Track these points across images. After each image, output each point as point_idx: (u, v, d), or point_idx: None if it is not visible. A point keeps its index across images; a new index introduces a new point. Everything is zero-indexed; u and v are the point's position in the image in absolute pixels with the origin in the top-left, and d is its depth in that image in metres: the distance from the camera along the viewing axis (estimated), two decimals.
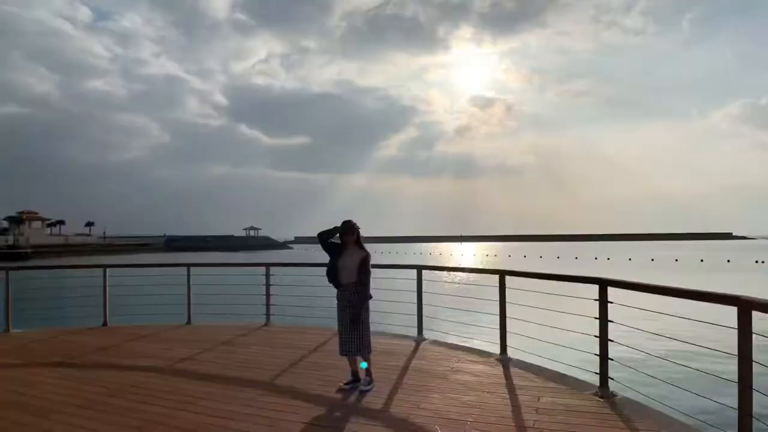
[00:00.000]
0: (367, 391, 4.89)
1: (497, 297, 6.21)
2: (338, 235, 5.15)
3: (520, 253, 76.58)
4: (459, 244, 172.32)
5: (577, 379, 5.20)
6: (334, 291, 8.31)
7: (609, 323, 4.75)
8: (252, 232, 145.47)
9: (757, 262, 49.39)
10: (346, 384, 5.06)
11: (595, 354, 4.83)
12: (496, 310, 6.23)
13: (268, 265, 8.85)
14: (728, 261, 51.66)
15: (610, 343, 4.76)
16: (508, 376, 5.39)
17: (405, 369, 5.73)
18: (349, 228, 5.06)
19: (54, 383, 5.40)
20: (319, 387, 5.12)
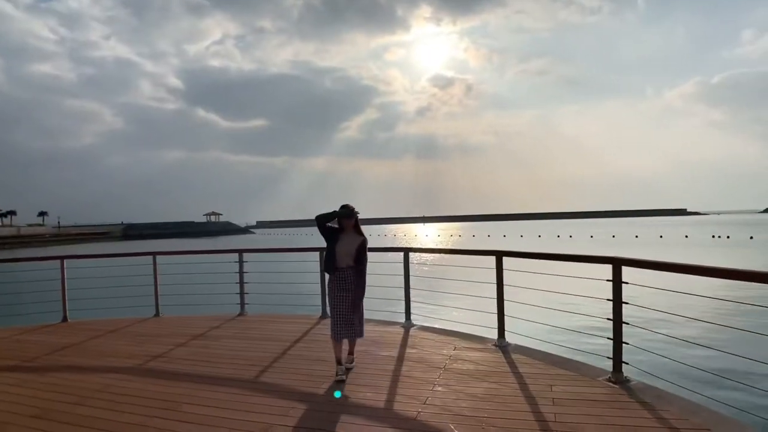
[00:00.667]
0: (350, 368, 4.97)
1: (486, 279, 5.96)
2: (336, 219, 5.00)
3: (484, 233, 77.51)
4: (422, 224, 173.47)
5: (585, 365, 4.93)
6: (311, 276, 7.94)
7: (624, 305, 4.47)
8: (213, 218, 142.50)
9: (713, 237, 51.39)
10: (338, 375, 4.74)
11: (608, 338, 4.55)
12: (487, 292, 5.97)
13: (240, 251, 8.28)
14: (686, 237, 53.59)
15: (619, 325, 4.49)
16: (511, 363, 5.07)
17: (400, 359, 5.35)
18: (349, 213, 4.92)
19: (9, 390, 4.74)
20: (309, 383, 4.67)
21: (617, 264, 4.51)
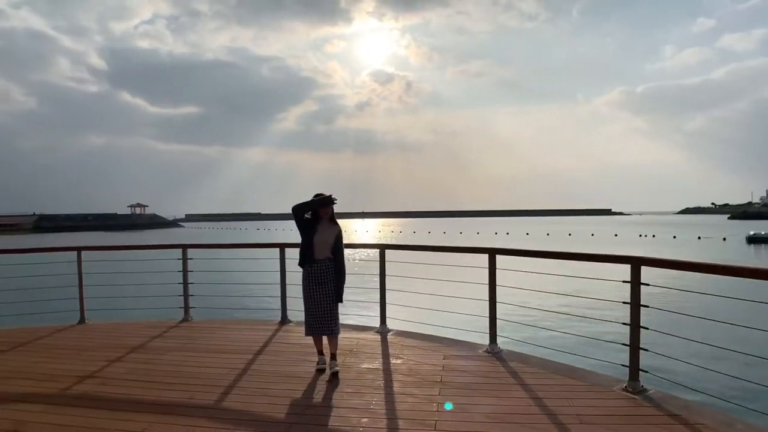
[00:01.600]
0: (336, 372, 4.52)
1: (468, 278, 5.60)
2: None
3: (424, 229, 78.22)
4: (360, 220, 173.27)
5: (591, 372, 4.45)
6: (268, 276, 7.06)
7: (643, 308, 4.00)
8: (138, 210, 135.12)
9: (640, 235, 54.28)
10: (319, 365, 4.70)
11: (623, 344, 4.08)
12: (470, 293, 5.53)
13: (184, 247, 7.22)
14: (616, 235, 56.31)
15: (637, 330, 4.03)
16: (513, 373, 4.50)
17: (387, 372, 4.63)
18: (328, 201, 4.68)
19: None
20: (285, 408, 3.85)
21: (636, 264, 4.05)
